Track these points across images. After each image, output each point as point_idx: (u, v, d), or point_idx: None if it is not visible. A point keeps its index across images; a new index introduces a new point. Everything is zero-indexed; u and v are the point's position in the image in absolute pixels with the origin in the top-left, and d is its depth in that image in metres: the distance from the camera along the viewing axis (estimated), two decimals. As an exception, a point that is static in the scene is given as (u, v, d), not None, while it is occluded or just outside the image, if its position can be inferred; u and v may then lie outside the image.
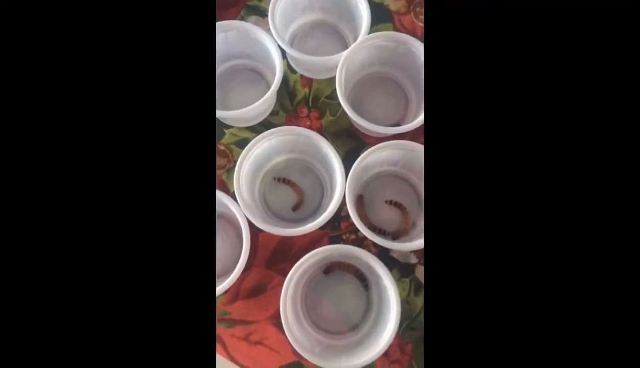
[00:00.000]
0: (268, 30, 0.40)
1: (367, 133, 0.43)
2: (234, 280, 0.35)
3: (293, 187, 0.42)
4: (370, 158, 0.38)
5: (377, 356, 0.34)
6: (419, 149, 0.38)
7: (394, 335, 0.34)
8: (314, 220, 0.38)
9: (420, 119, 0.38)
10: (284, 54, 0.40)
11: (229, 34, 0.40)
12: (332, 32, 0.46)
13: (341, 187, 0.36)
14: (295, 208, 0.42)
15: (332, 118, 0.44)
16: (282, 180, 0.43)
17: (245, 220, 0.36)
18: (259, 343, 0.40)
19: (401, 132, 0.38)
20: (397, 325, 0.34)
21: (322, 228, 0.42)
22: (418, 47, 0.39)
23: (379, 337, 0.36)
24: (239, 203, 0.36)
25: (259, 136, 0.38)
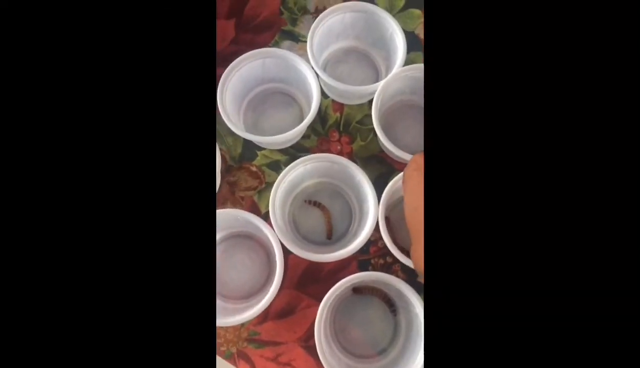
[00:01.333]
0: (302, 56, 0.41)
1: (396, 159, 0.44)
2: (268, 303, 0.36)
3: (322, 210, 0.43)
4: (400, 183, 0.39)
5: (408, 385, 0.35)
6: None
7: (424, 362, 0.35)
8: (343, 245, 0.39)
9: None
10: (318, 79, 0.41)
11: (267, 61, 0.41)
12: (364, 59, 0.47)
13: (374, 215, 0.37)
14: (329, 236, 0.43)
15: (363, 143, 0.45)
16: (312, 202, 0.43)
17: (279, 243, 0.37)
18: (287, 365, 0.41)
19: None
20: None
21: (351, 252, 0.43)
22: None
23: (409, 364, 0.36)
24: (274, 227, 0.37)
25: (295, 162, 0.39)
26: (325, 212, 0.43)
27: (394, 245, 0.37)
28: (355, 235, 0.40)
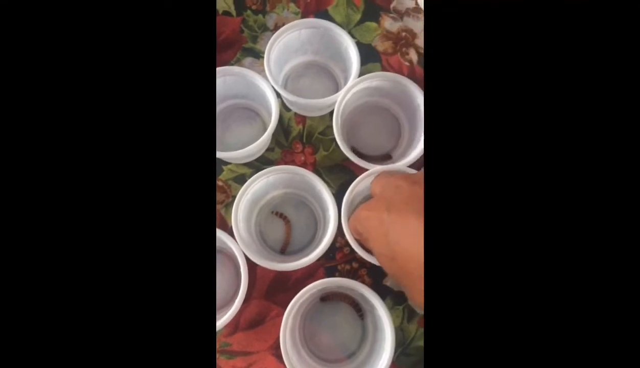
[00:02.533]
0: (263, 72, 0.42)
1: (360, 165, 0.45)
2: (233, 314, 0.37)
3: (286, 224, 0.44)
4: (360, 186, 0.40)
5: (373, 385, 0.36)
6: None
7: (390, 362, 0.36)
8: (308, 253, 0.40)
9: (413, 155, 0.40)
10: (278, 94, 0.43)
11: (227, 78, 0.42)
12: (324, 72, 0.48)
13: (334, 222, 0.38)
14: (282, 250, 0.44)
15: (326, 153, 0.47)
16: (278, 214, 0.44)
17: (243, 256, 0.38)
18: (259, 373, 0.42)
19: (394, 169, 0.40)
20: (393, 353, 0.36)
21: (318, 259, 0.44)
22: (406, 83, 0.41)
23: (376, 365, 0.37)
24: (237, 240, 0.38)
25: (257, 175, 0.40)
26: (287, 225, 0.44)
27: (358, 246, 0.38)
28: (319, 243, 0.41)
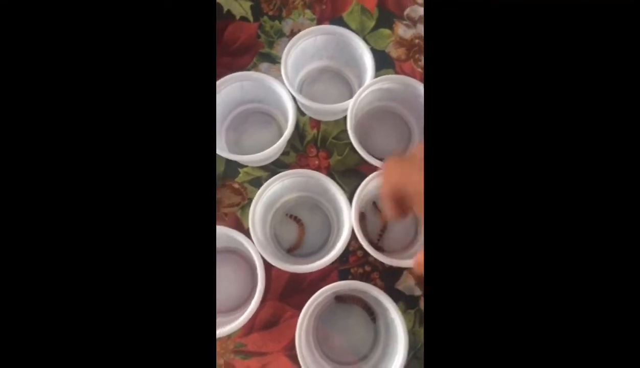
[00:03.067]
0: (279, 77, 0.43)
1: (373, 166, 0.46)
2: (250, 315, 0.37)
3: (299, 225, 0.45)
4: (370, 185, 0.41)
5: (386, 387, 0.36)
6: None
7: (403, 365, 0.36)
8: (322, 255, 0.40)
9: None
10: (294, 98, 0.43)
11: (245, 83, 0.43)
12: (338, 77, 0.49)
13: (348, 225, 0.39)
14: (290, 250, 0.45)
15: (339, 158, 0.47)
16: (293, 217, 0.45)
17: (260, 258, 0.39)
18: (273, 374, 0.42)
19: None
20: (406, 356, 0.37)
21: (332, 262, 0.45)
22: (417, 86, 0.42)
23: (389, 367, 0.38)
24: (254, 242, 0.39)
25: (273, 178, 0.40)
26: (300, 227, 0.45)
27: (369, 245, 0.39)
28: (333, 246, 0.42)
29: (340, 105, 0.42)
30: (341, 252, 0.38)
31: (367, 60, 0.43)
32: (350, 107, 0.41)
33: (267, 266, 0.40)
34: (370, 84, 0.42)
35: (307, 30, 0.43)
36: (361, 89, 0.42)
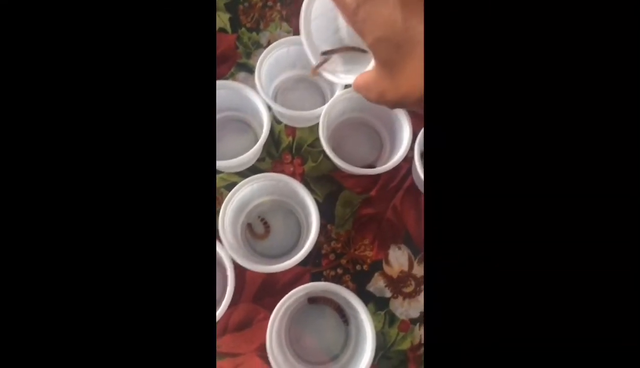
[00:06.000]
0: (255, 86, 0.45)
1: (346, 172, 0.48)
2: (219, 317, 0.38)
3: (265, 229, 0.47)
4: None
5: (354, 384, 0.37)
6: None
7: (370, 364, 0.38)
8: (292, 257, 0.42)
9: (394, 161, 0.42)
10: (269, 106, 0.45)
11: (222, 92, 0.45)
12: (312, 86, 0.51)
13: (316, 227, 0.40)
14: (256, 237, 0.47)
15: (314, 164, 0.49)
16: (262, 220, 0.47)
17: (231, 260, 0.40)
18: (245, 374, 0.43)
19: (378, 172, 0.43)
20: (373, 356, 0.38)
21: (304, 265, 0.46)
22: None
23: (357, 367, 0.39)
24: (224, 245, 0.40)
25: (242, 182, 0.42)
26: (266, 230, 0.47)
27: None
28: (302, 247, 0.43)
29: (312, 112, 0.44)
30: (309, 251, 0.40)
31: (339, 69, 0.44)
32: (323, 115, 0.43)
33: (242, 269, 0.41)
34: (341, 94, 0.44)
35: (279, 41, 0.45)
36: (333, 98, 0.44)
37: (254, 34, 0.53)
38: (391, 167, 0.43)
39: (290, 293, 0.40)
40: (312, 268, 0.46)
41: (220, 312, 0.38)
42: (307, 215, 0.44)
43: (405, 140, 0.43)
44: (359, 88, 0.30)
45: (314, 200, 0.41)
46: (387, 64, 0.26)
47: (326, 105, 0.43)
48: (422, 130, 0.44)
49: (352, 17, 0.26)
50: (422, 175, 0.43)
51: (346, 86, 0.44)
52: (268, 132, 0.43)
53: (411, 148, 0.43)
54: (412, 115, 0.45)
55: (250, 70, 0.51)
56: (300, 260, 0.40)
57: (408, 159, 0.45)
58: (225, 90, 0.45)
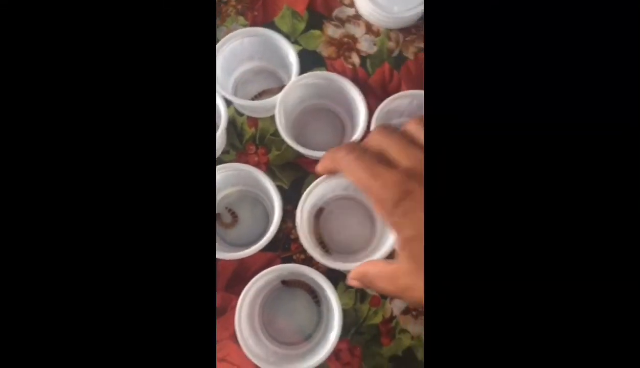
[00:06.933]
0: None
1: (311, 159, 0.49)
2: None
3: (232, 219, 0.48)
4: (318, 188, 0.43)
5: (324, 358, 0.38)
6: None
7: (337, 339, 0.39)
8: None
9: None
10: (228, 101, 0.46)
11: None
12: (271, 77, 0.52)
13: (279, 214, 0.41)
14: (225, 227, 0.48)
15: (278, 153, 0.50)
16: (230, 211, 0.48)
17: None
18: (222, 360, 0.44)
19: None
20: (340, 330, 0.39)
21: (275, 250, 0.47)
22: (340, 80, 0.45)
23: (327, 343, 0.40)
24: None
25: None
26: (233, 219, 0.48)
27: (308, 238, 0.41)
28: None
29: (270, 101, 0.45)
30: (272, 236, 0.41)
31: (292, 58, 0.46)
32: (278, 103, 0.44)
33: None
34: (296, 80, 0.45)
35: (231, 33, 0.46)
36: (287, 86, 0.45)
37: (212, 30, 0.54)
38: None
39: (258, 275, 0.41)
40: (282, 253, 0.47)
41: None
42: (272, 203, 0.45)
43: (362, 121, 0.44)
44: (376, 279, 0.30)
45: (276, 187, 0.42)
46: (418, 261, 0.26)
47: (280, 94, 0.44)
48: (381, 106, 0.45)
49: (389, 212, 0.27)
50: None
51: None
52: (226, 124, 0.44)
53: (368, 128, 0.45)
54: (367, 94, 0.46)
55: (210, 66, 0.52)
56: (264, 246, 0.41)
57: (367, 139, 0.46)
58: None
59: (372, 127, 0.45)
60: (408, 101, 0.46)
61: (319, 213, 0.48)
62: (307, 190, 0.42)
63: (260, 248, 0.41)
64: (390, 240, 0.41)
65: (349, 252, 0.48)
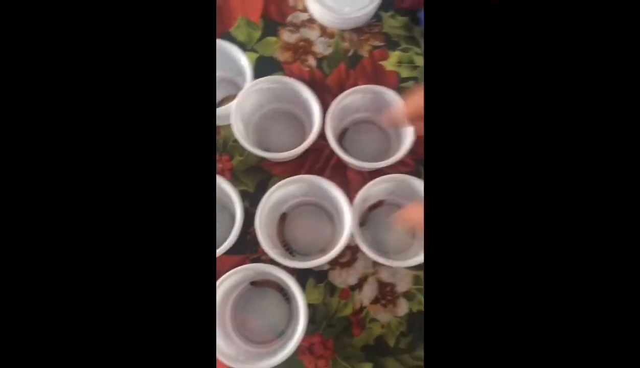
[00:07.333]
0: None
1: (274, 162, 0.50)
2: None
3: None
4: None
5: (290, 352, 0.39)
6: (317, 180, 0.44)
7: (303, 333, 0.40)
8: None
9: (308, 141, 0.45)
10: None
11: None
12: (230, 85, 0.54)
13: (240, 216, 0.43)
14: None
15: (241, 158, 0.51)
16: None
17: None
18: (197, 364, 0.45)
19: (296, 154, 0.46)
20: (305, 324, 0.40)
21: (243, 253, 0.48)
22: (296, 84, 0.46)
23: (294, 337, 0.41)
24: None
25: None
26: None
27: (267, 239, 0.42)
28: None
29: (228, 107, 0.47)
30: (235, 239, 0.42)
31: (244, 64, 0.47)
32: (234, 110, 0.45)
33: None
34: (249, 86, 0.46)
35: (184, 46, 0.48)
36: (241, 92, 0.46)
37: (172, 45, 0.55)
38: (305, 148, 0.45)
39: (224, 275, 0.42)
40: (250, 255, 0.49)
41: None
42: (235, 207, 0.46)
43: (316, 119, 0.46)
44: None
45: (237, 192, 0.44)
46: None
47: (235, 100, 0.46)
48: (334, 103, 0.46)
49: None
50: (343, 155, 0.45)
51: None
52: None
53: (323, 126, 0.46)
54: (325, 94, 0.47)
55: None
56: (228, 248, 0.42)
57: (324, 137, 0.47)
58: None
59: (327, 123, 0.46)
60: (361, 96, 0.48)
61: (282, 219, 0.49)
62: (267, 193, 0.43)
63: (223, 251, 0.42)
64: (346, 232, 0.42)
65: (314, 252, 0.49)
